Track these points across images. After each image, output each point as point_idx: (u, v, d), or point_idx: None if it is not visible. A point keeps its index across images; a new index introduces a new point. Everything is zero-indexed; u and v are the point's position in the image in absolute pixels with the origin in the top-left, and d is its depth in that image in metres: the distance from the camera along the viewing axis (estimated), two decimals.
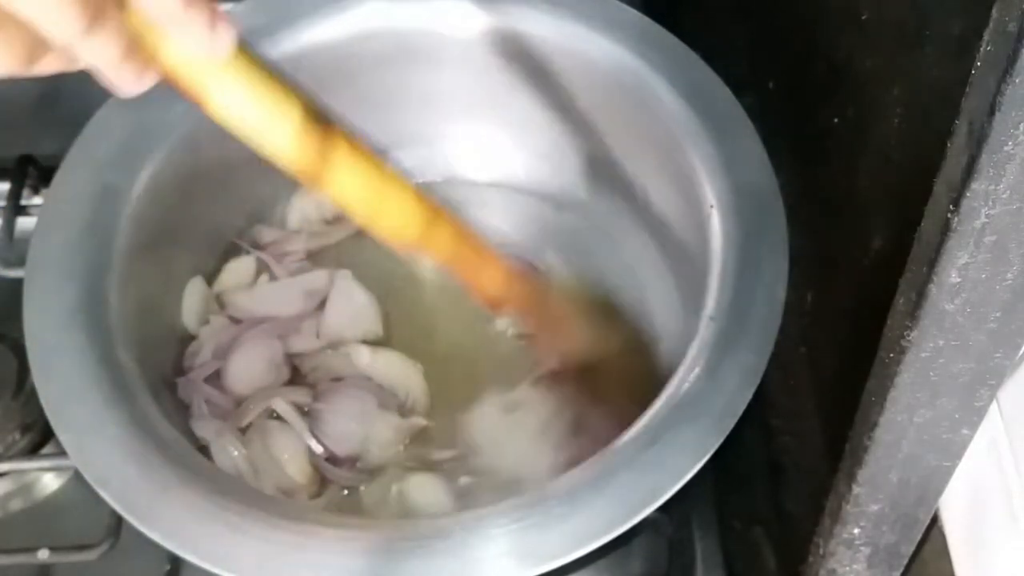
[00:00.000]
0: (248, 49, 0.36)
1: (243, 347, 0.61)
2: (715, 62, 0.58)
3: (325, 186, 0.40)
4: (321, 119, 0.39)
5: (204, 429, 0.57)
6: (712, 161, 0.55)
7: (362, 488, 0.58)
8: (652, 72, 0.58)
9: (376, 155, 0.42)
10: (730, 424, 0.46)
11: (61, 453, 0.47)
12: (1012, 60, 0.26)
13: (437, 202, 0.46)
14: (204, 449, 0.56)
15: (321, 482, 0.58)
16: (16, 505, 0.60)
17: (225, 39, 0.35)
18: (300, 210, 0.67)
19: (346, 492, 0.58)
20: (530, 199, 0.68)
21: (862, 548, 0.42)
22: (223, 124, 0.37)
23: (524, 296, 0.54)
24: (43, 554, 0.53)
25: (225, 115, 0.37)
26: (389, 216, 0.43)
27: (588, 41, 0.59)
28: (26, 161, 0.66)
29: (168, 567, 0.55)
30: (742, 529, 0.58)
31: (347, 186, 0.41)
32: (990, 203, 0.29)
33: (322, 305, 0.63)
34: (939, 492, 0.39)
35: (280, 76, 0.38)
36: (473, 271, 0.50)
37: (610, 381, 0.58)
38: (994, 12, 0.27)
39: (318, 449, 0.58)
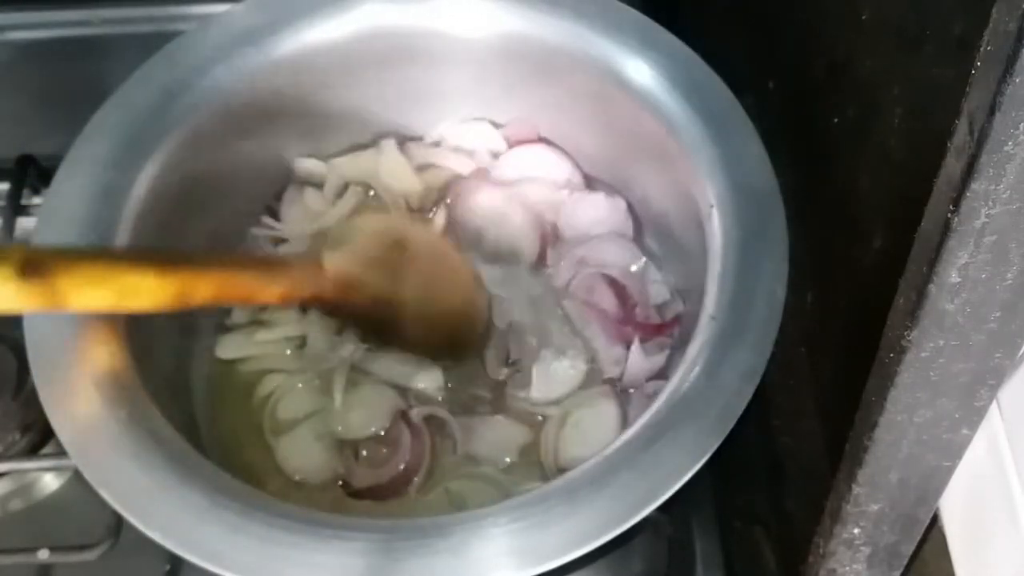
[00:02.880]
0: None
1: None
2: (715, 62, 0.58)
3: (66, 307, 0.44)
4: (35, 266, 0.42)
5: None
6: (712, 161, 0.55)
7: None
8: (652, 72, 0.58)
9: (106, 263, 0.46)
10: (730, 424, 0.46)
11: (61, 453, 0.47)
12: (1012, 60, 0.26)
13: (190, 258, 0.50)
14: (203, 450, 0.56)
15: None
16: (16, 505, 0.60)
17: None
18: (297, 204, 0.67)
19: None
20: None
21: (862, 548, 0.42)
22: None
23: (308, 284, 0.56)
24: (43, 554, 0.53)
25: None
26: (139, 300, 0.47)
27: (588, 41, 0.59)
28: (26, 161, 0.66)
29: (168, 567, 0.55)
30: (742, 529, 0.58)
31: (87, 300, 0.45)
32: (990, 203, 0.29)
33: None
34: (939, 492, 0.39)
35: None
36: (254, 294, 0.54)
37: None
38: (994, 12, 0.27)
39: None
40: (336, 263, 0.57)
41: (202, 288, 0.49)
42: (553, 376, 0.60)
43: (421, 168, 0.67)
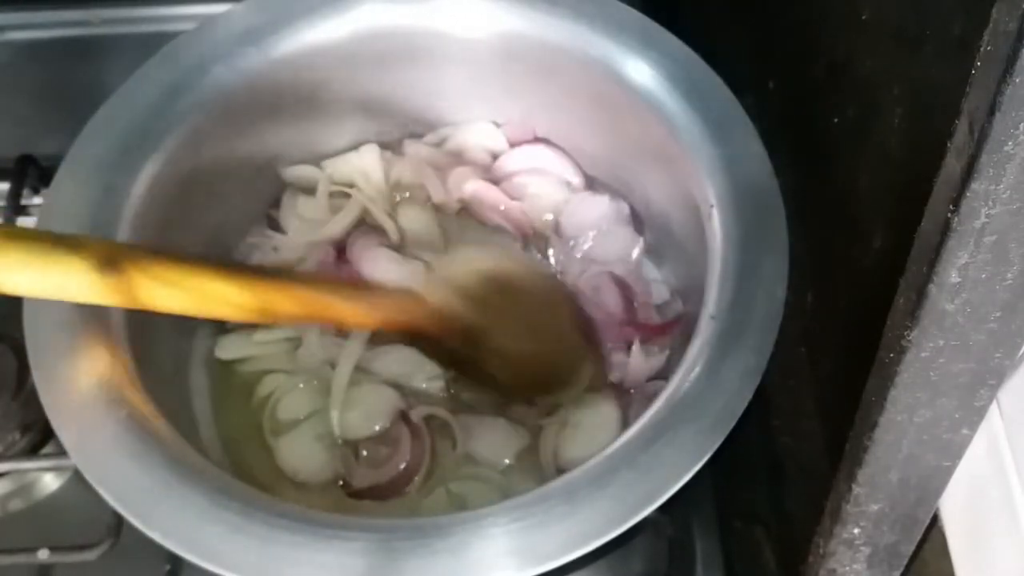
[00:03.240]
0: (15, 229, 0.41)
1: None
2: (715, 62, 0.58)
3: (143, 306, 0.45)
4: (115, 261, 0.44)
5: None
6: (712, 161, 0.55)
7: None
8: (652, 72, 0.58)
9: (188, 266, 0.47)
10: (730, 424, 0.46)
11: (61, 453, 0.47)
12: (1012, 60, 0.26)
13: (270, 276, 0.51)
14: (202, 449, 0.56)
15: None
16: (16, 505, 0.60)
17: None
18: (296, 209, 0.67)
19: None
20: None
21: (862, 548, 0.42)
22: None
23: (402, 314, 0.56)
24: (43, 554, 0.53)
25: (16, 291, 0.42)
26: (218, 308, 0.48)
27: (588, 41, 0.59)
28: (26, 161, 0.66)
29: (168, 567, 0.55)
30: (742, 529, 0.58)
31: (165, 301, 0.46)
32: (990, 203, 0.29)
33: None
34: (939, 492, 0.39)
35: (58, 239, 0.43)
36: (333, 316, 0.54)
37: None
38: (994, 12, 0.27)
39: None
40: (437, 296, 0.58)
41: (286, 305, 0.50)
42: None
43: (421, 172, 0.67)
